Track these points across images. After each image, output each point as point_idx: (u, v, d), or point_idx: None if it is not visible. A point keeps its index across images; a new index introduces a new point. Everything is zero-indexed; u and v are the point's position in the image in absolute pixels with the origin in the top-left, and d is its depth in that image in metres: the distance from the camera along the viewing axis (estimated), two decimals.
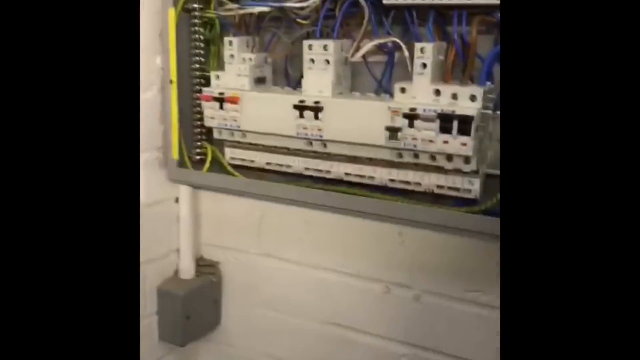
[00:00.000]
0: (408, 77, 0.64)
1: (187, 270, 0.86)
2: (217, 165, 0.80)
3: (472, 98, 0.59)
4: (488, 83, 0.61)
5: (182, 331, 0.84)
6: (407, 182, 0.66)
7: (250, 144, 0.74)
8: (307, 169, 0.72)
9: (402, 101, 0.62)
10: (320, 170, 0.71)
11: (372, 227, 0.74)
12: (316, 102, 0.66)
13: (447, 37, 0.63)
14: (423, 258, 0.73)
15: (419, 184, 0.66)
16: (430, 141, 0.61)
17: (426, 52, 0.60)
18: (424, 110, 0.61)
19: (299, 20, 0.69)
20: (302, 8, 0.68)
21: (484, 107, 0.60)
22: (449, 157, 0.62)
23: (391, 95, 0.66)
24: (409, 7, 0.63)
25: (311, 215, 0.78)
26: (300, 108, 0.67)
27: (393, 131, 0.62)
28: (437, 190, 0.65)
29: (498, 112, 0.63)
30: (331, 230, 0.78)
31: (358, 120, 0.64)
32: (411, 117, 0.61)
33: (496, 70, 0.63)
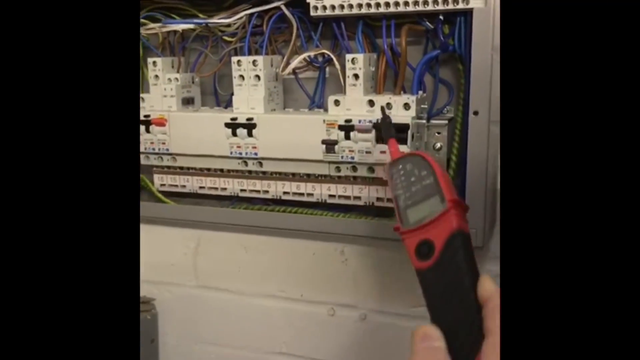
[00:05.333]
0: (340, 91, 0.63)
1: None
2: (146, 194, 0.76)
3: (406, 107, 0.59)
4: (420, 92, 0.61)
5: None
6: (347, 197, 0.65)
7: (181, 168, 0.71)
8: (243, 190, 0.69)
9: (337, 114, 0.61)
10: (257, 191, 0.68)
11: (313, 247, 0.72)
12: (249, 119, 0.64)
13: (377, 49, 0.63)
14: (367, 276, 0.71)
15: (358, 197, 0.64)
16: (368, 152, 0.60)
17: (357, 62, 0.60)
18: (360, 121, 0.60)
19: (225, 37, 0.68)
20: (228, 25, 0.66)
21: (418, 117, 0.60)
22: None
23: (325, 110, 0.65)
24: (337, 19, 0.62)
25: (250, 240, 0.75)
26: (233, 126, 0.64)
27: (330, 144, 0.61)
28: (377, 203, 0.64)
29: (432, 122, 0.63)
30: (271, 254, 0.75)
31: (293, 135, 0.63)
32: (347, 128, 0.60)
33: (427, 79, 0.63)
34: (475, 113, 0.57)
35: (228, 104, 0.70)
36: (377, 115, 0.59)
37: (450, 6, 0.56)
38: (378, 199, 0.64)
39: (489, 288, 0.37)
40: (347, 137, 0.60)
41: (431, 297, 0.41)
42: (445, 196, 0.43)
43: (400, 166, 0.48)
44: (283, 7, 0.63)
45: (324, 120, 0.61)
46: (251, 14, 0.65)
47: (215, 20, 0.65)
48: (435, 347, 0.35)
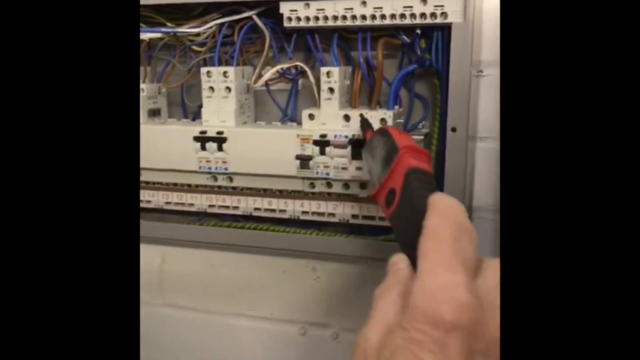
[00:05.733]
0: (313, 104, 0.61)
1: None
2: None
3: (383, 122, 0.58)
4: (396, 107, 0.60)
5: None
6: (321, 214, 0.63)
7: (147, 182, 0.68)
8: (211, 206, 0.66)
9: (312, 128, 0.59)
10: (226, 207, 0.66)
11: (284, 264, 0.70)
12: (219, 132, 0.61)
13: (351, 62, 0.62)
14: (340, 293, 0.69)
15: (333, 214, 0.62)
16: (343, 168, 0.58)
17: (333, 76, 0.58)
18: (335, 136, 0.58)
19: (194, 47, 0.65)
20: (197, 34, 0.63)
21: None
22: (363, 185, 0.60)
23: (298, 123, 0.63)
24: (312, 31, 0.60)
25: (217, 257, 0.72)
26: (202, 139, 0.62)
27: (304, 160, 0.59)
28: (352, 220, 0.62)
29: None
30: (240, 271, 0.72)
31: (266, 150, 0.60)
32: (322, 144, 0.58)
33: (401, 93, 0.62)
34: (454, 130, 0.56)
35: (196, 116, 0.68)
36: (352, 130, 0.58)
37: (428, 20, 0.55)
38: (353, 215, 0.62)
39: (434, 197, 0.38)
40: (322, 153, 0.58)
41: (398, 234, 0.42)
42: (397, 145, 0.44)
43: (369, 146, 0.50)
44: (255, 17, 0.61)
45: (298, 135, 0.59)
46: (222, 24, 0.62)
47: (184, 29, 0.62)
48: (399, 268, 0.39)
